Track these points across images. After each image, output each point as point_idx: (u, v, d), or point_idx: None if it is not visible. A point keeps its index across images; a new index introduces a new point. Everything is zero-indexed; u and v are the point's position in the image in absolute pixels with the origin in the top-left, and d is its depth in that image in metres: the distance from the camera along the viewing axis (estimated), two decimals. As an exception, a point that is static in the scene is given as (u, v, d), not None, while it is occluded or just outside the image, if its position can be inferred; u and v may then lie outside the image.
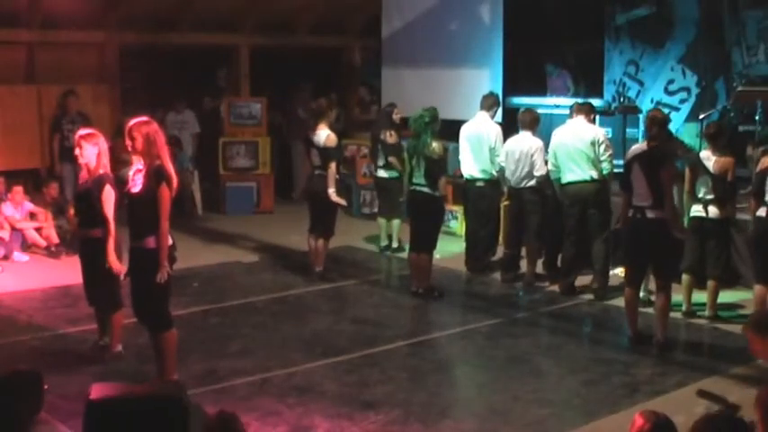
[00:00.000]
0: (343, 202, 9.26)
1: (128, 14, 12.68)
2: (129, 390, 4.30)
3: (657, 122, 7.20)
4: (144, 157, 5.81)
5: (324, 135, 8.89)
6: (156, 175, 5.77)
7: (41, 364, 6.64)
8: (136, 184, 5.85)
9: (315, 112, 9.22)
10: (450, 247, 10.11)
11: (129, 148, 5.82)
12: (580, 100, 9.67)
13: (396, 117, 10.27)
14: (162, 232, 5.77)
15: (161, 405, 4.04)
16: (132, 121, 5.89)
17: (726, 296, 8.27)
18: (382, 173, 10.15)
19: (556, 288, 8.88)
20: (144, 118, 5.97)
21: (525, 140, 8.81)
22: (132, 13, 12.70)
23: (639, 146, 7.35)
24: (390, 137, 9.98)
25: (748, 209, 7.61)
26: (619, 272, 9.29)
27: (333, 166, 8.88)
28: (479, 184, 9.29)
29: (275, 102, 14.07)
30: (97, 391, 4.08)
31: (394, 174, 9.93)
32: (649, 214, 6.96)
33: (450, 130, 9.62)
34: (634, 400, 6.12)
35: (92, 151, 6.54)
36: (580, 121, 8.66)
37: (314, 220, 9.16)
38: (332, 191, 8.87)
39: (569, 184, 8.58)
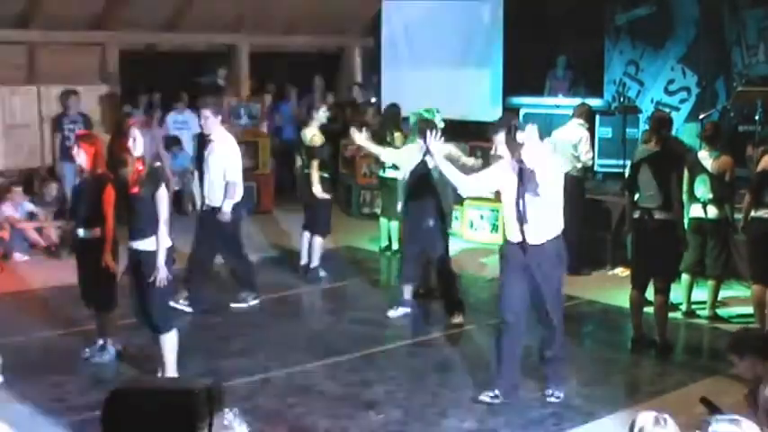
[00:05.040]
0: (326, 195, 9.28)
1: (128, 14, 12.68)
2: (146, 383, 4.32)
3: (664, 123, 7.19)
4: (143, 157, 5.81)
5: (309, 134, 9.02)
6: (153, 177, 5.77)
7: (41, 364, 6.68)
8: (134, 185, 5.86)
9: (304, 112, 9.35)
10: (451, 248, 10.08)
11: (129, 149, 5.83)
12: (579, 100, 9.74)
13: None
14: (160, 234, 5.77)
15: (169, 398, 4.04)
16: (132, 121, 5.91)
17: (726, 296, 8.28)
18: (391, 173, 10.10)
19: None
20: (141, 118, 5.99)
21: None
22: (132, 14, 12.70)
23: (646, 147, 7.29)
24: (398, 138, 9.96)
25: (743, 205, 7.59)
26: (618, 272, 9.31)
27: (315, 164, 8.97)
28: None
29: (277, 101, 14.09)
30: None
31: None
32: (657, 215, 6.94)
33: (451, 130, 9.59)
34: (634, 400, 6.13)
35: (89, 151, 6.55)
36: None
37: (309, 218, 9.28)
38: (317, 188, 8.96)
39: None
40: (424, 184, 7.73)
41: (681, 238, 7.15)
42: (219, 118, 7.79)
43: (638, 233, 7.14)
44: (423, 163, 7.70)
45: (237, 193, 7.84)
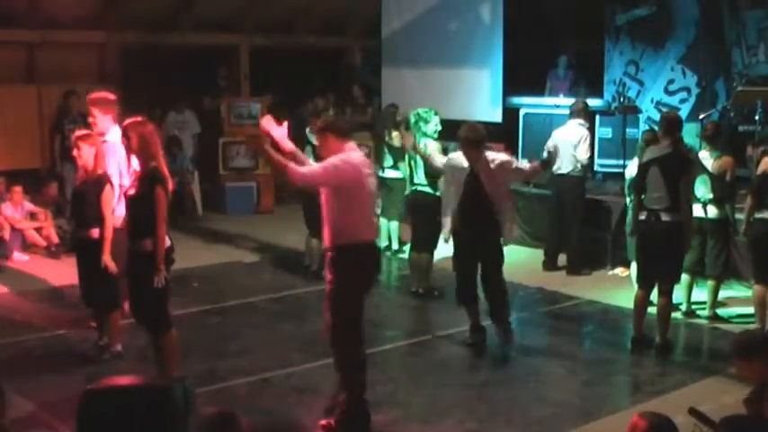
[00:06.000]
0: None
1: (128, 14, 12.69)
2: (124, 381, 4.34)
3: (676, 124, 7.19)
4: (139, 157, 5.81)
5: None
6: (151, 178, 5.77)
7: (41, 364, 6.68)
8: (132, 185, 5.86)
9: (312, 112, 9.30)
10: (451, 248, 10.08)
11: (126, 149, 5.83)
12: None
13: (398, 118, 10.25)
14: (159, 235, 5.76)
15: (151, 395, 4.06)
16: (128, 121, 5.90)
17: (726, 296, 8.28)
18: (390, 173, 10.08)
19: (556, 288, 8.89)
20: (139, 118, 5.98)
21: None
22: (132, 13, 12.71)
23: (657, 148, 7.25)
24: (395, 138, 9.96)
25: (745, 208, 7.59)
26: (618, 272, 9.32)
27: None
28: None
29: (284, 101, 14.08)
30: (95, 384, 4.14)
31: (403, 174, 9.91)
32: (665, 217, 6.93)
33: (451, 131, 9.60)
34: (634, 400, 6.13)
35: (89, 152, 6.58)
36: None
37: (310, 220, 9.25)
38: None
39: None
40: (478, 193, 7.04)
41: (687, 241, 7.14)
42: (111, 116, 7.15)
43: (645, 235, 7.11)
44: (473, 174, 7.04)
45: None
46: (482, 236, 7.09)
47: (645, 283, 7.20)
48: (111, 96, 7.39)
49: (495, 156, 7.09)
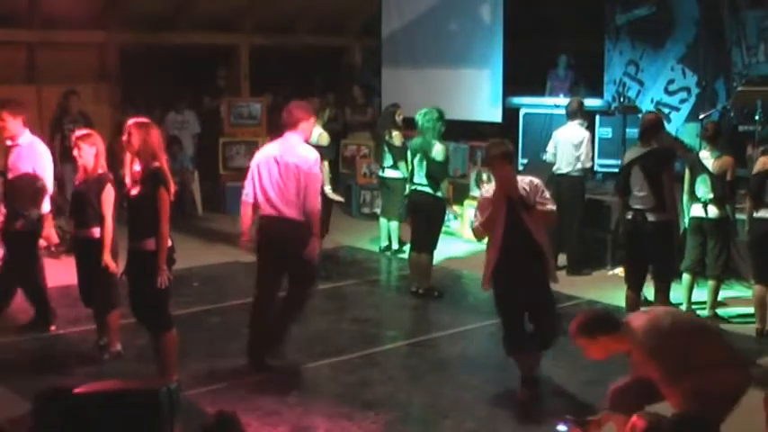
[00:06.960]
0: (340, 198, 9.31)
1: (128, 14, 12.70)
2: (108, 385, 4.35)
3: (653, 125, 7.22)
4: (141, 157, 5.81)
5: (316, 134, 8.97)
6: (153, 178, 5.78)
7: (41, 364, 6.68)
8: (134, 185, 5.86)
9: None
10: (451, 248, 10.11)
11: (127, 148, 5.84)
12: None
13: (398, 118, 10.24)
14: (161, 235, 5.77)
15: (134, 398, 4.07)
16: (130, 121, 5.91)
17: (726, 296, 8.28)
18: (390, 173, 10.08)
19: (556, 288, 8.88)
20: (142, 118, 6.00)
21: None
22: (132, 13, 12.72)
23: (637, 149, 7.31)
24: (396, 137, 9.95)
25: (746, 209, 7.61)
26: (618, 272, 9.32)
27: (326, 164, 8.95)
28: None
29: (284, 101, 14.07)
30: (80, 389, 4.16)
31: (403, 174, 9.92)
32: (650, 217, 6.94)
33: (451, 130, 9.61)
34: (634, 400, 6.11)
35: (90, 152, 6.58)
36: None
37: None
38: (328, 188, 8.98)
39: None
40: (517, 221, 6.00)
41: (677, 236, 7.16)
42: (21, 119, 7.11)
43: (632, 234, 7.14)
44: (512, 201, 6.01)
45: (46, 202, 7.16)
46: (525, 271, 6.04)
47: (633, 282, 7.23)
48: (21, 100, 7.58)
49: (524, 177, 6.15)
